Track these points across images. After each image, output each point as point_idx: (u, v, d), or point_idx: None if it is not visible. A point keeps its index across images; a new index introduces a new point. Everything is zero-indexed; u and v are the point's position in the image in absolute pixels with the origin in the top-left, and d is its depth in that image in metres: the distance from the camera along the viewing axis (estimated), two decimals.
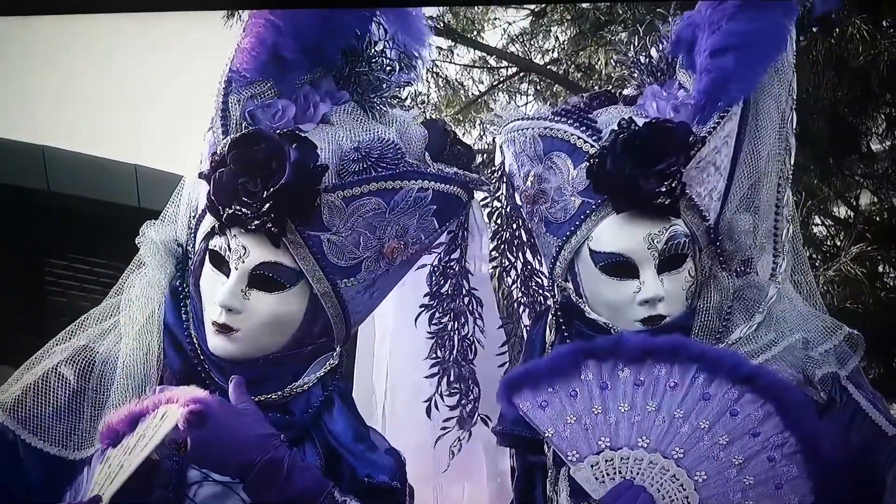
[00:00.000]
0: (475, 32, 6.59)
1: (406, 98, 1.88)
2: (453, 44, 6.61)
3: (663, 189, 1.77)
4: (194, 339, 1.67)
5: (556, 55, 6.56)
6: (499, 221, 1.98)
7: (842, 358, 1.78)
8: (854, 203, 5.81)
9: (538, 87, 6.77)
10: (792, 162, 1.95)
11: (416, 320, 1.88)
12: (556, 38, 6.49)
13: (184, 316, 1.69)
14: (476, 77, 6.87)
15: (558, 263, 1.87)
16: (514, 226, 1.98)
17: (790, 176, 1.96)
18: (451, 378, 1.87)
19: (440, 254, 1.86)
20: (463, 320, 1.87)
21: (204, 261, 1.69)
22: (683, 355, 1.65)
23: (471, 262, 1.91)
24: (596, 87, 6.27)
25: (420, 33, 1.86)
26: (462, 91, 6.77)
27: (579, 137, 1.85)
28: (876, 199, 5.73)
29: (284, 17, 1.70)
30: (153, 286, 1.71)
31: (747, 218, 1.87)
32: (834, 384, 1.75)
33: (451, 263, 1.87)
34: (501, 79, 6.85)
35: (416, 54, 1.86)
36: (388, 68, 1.83)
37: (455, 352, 1.87)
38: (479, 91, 6.80)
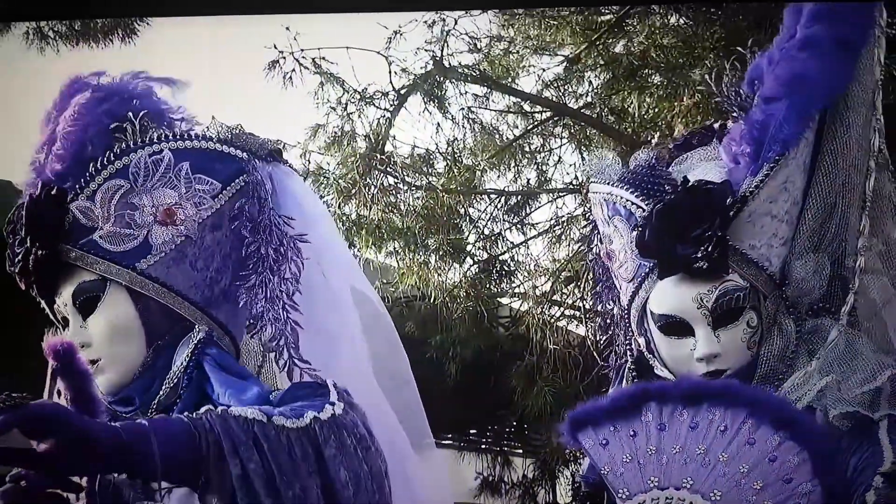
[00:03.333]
0: (510, 79, 6.67)
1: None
2: (489, 90, 6.70)
3: (699, 255, 1.81)
4: (102, 397, 1.72)
5: (589, 99, 6.58)
6: (594, 274, 2.08)
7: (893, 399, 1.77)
8: None
9: (572, 131, 6.82)
10: (871, 187, 1.89)
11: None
12: (590, 83, 6.53)
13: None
14: (511, 122, 6.92)
15: (631, 320, 1.95)
16: (605, 277, 2.07)
17: (868, 203, 1.90)
18: (272, 326, 1.81)
19: (233, 213, 1.84)
20: (277, 262, 1.83)
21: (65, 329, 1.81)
22: (736, 399, 1.69)
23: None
24: (629, 130, 6.35)
25: (162, 114, 1.94)
26: (497, 136, 6.84)
27: (633, 203, 1.91)
28: None
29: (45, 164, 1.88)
30: None
31: (813, 259, 1.88)
32: (859, 420, 1.75)
33: (259, 219, 1.83)
34: (535, 123, 6.91)
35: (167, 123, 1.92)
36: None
37: (271, 300, 1.81)
38: (514, 135, 6.87)
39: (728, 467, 1.64)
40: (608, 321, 2.10)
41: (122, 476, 1.57)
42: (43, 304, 1.88)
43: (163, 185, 1.81)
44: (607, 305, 2.10)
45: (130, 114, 1.87)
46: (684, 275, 1.85)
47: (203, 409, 1.53)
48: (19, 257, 1.80)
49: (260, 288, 1.82)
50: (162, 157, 1.81)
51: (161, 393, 1.74)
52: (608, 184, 1.98)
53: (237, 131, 1.90)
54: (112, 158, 1.81)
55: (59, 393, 1.59)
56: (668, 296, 1.89)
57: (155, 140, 1.83)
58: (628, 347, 2.03)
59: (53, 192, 1.79)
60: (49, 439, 1.36)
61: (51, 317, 1.88)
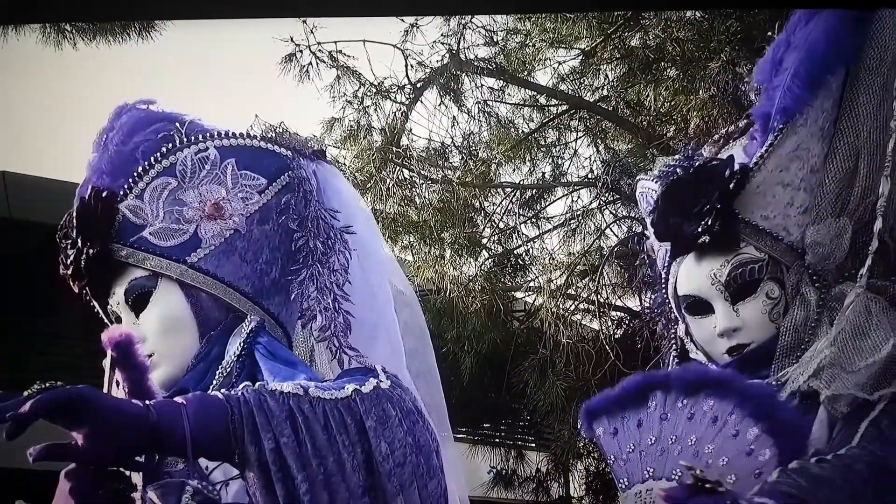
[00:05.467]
0: (526, 73, 6.66)
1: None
2: (504, 84, 6.69)
3: (700, 230, 1.82)
4: (158, 394, 1.72)
5: (605, 93, 6.59)
6: (652, 273, 2.07)
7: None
8: None
9: (588, 124, 6.82)
10: (890, 149, 1.84)
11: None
12: (606, 76, 6.53)
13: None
14: (526, 115, 6.93)
15: (671, 307, 1.97)
16: (657, 274, 2.06)
17: (889, 165, 1.83)
18: (321, 315, 1.84)
19: (280, 208, 1.88)
20: (326, 255, 1.87)
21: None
22: (727, 389, 1.67)
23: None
24: (644, 124, 6.33)
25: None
26: (512, 129, 6.84)
27: (654, 191, 1.95)
28: None
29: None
30: None
31: (832, 224, 1.83)
32: (858, 405, 1.67)
33: (306, 213, 1.88)
34: (551, 116, 6.90)
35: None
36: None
37: (321, 290, 1.85)
38: (530, 129, 6.86)
39: (713, 459, 1.63)
40: (665, 318, 2.08)
41: (180, 467, 1.60)
42: (96, 306, 1.92)
43: (210, 182, 1.85)
44: (658, 300, 2.08)
45: (178, 123, 1.91)
46: (698, 253, 1.86)
47: (241, 386, 1.54)
48: (71, 259, 1.84)
49: (311, 280, 1.85)
50: (208, 155, 1.86)
51: (215, 382, 1.76)
52: (643, 179, 2.02)
53: (280, 130, 1.95)
54: (159, 158, 1.85)
55: (117, 384, 1.61)
56: (687, 276, 1.90)
57: (200, 139, 1.87)
58: (674, 336, 2.03)
59: (103, 193, 1.84)
60: (83, 425, 1.37)
61: (104, 319, 1.91)
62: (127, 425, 1.39)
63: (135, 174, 1.85)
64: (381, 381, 1.61)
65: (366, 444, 1.52)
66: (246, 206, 1.85)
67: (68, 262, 1.84)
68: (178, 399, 1.47)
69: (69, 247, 1.85)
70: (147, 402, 1.45)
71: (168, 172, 1.85)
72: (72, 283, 1.87)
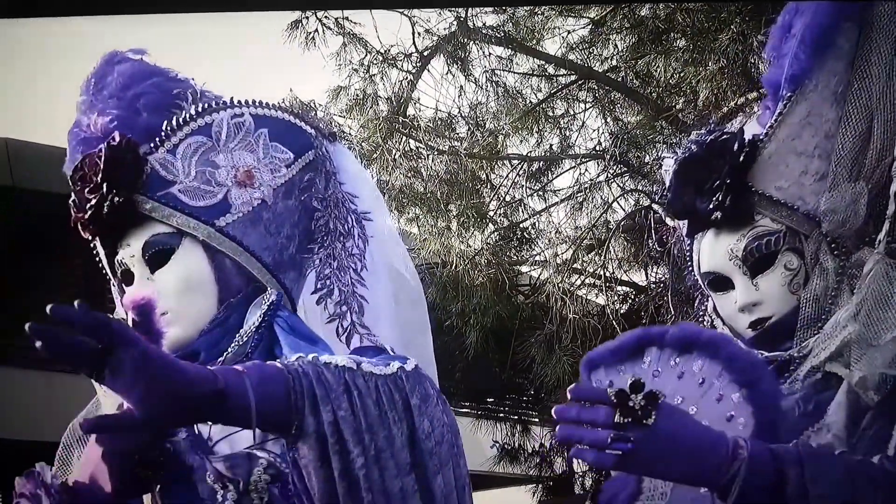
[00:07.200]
0: (534, 42, 6.59)
1: None
2: (513, 53, 6.62)
3: (711, 206, 1.79)
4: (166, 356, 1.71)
5: (614, 63, 6.53)
6: (683, 254, 2.03)
7: None
8: None
9: (597, 95, 6.75)
10: None
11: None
12: (615, 46, 6.47)
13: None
14: (535, 85, 6.86)
15: (700, 285, 1.93)
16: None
17: None
18: (339, 291, 1.86)
19: (303, 185, 1.88)
20: (344, 237, 1.88)
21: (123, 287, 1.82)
22: (717, 352, 1.62)
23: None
24: (654, 95, 6.25)
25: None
26: (520, 100, 6.77)
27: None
28: None
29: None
30: None
31: (848, 189, 1.80)
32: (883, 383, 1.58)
33: (326, 194, 1.89)
34: (560, 87, 6.84)
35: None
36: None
37: (340, 269, 1.87)
38: (538, 99, 6.79)
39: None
40: (702, 294, 2.02)
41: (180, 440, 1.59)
42: (101, 255, 1.87)
43: (242, 148, 1.83)
44: (692, 280, 2.06)
45: (192, 80, 1.89)
46: (715, 230, 1.83)
47: (294, 357, 1.55)
48: (91, 203, 1.78)
49: (329, 258, 1.87)
50: (243, 121, 1.84)
51: (229, 350, 1.74)
52: (670, 158, 1.96)
53: (308, 107, 1.90)
54: (194, 115, 1.83)
55: None
56: (706, 254, 1.87)
57: (236, 104, 1.86)
58: (703, 313, 1.99)
59: (132, 142, 1.80)
60: (151, 384, 1.34)
61: (106, 269, 1.88)
62: (195, 392, 1.38)
63: (167, 129, 1.81)
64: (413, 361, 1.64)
65: (410, 422, 1.55)
66: (274, 178, 1.84)
67: (87, 206, 1.78)
68: (238, 367, 1.47)
69: (89, 191, 1.79)
70: (210, 367, 1.46)
71: (203, 132, 1.82)
72: (83, 229, 1.82)
